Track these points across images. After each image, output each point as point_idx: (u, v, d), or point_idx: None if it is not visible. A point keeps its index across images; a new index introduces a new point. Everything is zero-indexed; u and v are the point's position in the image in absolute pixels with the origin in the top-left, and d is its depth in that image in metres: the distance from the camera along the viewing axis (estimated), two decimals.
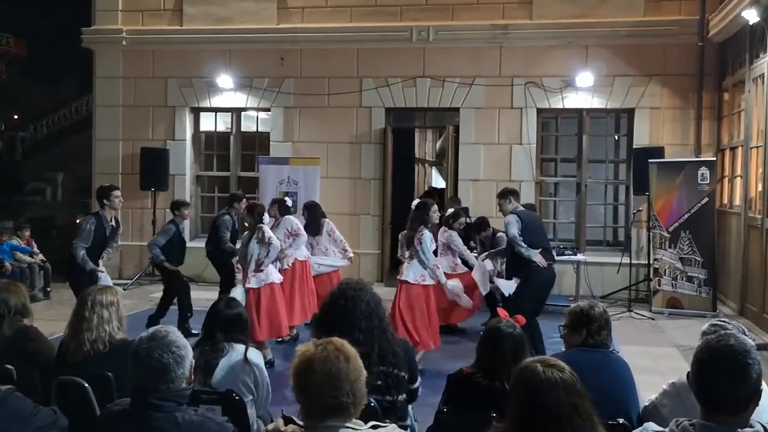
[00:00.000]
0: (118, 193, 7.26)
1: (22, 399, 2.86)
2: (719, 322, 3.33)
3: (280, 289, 7.15)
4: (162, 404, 2.53)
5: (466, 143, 11.35)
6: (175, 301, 8.32)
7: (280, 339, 7.73)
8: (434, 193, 14.67)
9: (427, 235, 6.63)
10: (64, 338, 3.72)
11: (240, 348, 3.75)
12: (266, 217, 7.32)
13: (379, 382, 3.23)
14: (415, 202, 7.12)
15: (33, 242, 11.27)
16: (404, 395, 3.40)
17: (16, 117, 23.22)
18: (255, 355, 3.79)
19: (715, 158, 10.25)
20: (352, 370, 2.30)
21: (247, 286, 6.92)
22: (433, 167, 17.21)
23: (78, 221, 7.47)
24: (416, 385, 3.55)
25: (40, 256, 11.07)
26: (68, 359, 3.61)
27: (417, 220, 6.75)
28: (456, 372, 3.50)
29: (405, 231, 7.05)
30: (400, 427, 2.61)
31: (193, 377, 2.70)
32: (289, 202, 8.49)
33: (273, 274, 7.06)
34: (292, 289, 7.82)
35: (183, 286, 8.36)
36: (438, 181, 15.99)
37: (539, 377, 2.30)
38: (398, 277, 6.85)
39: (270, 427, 2.41)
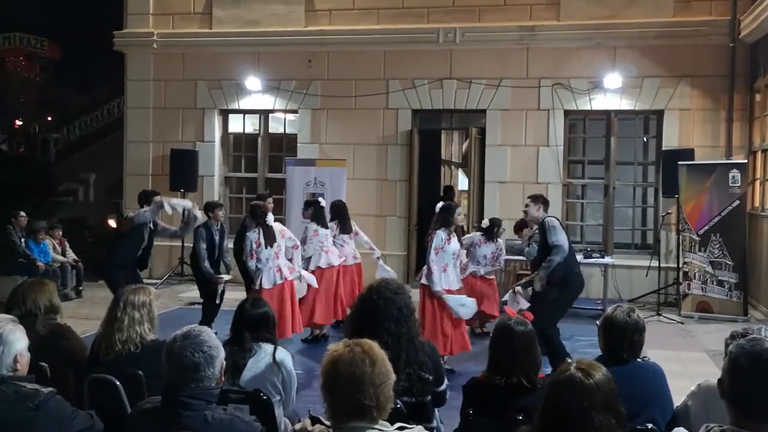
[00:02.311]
0: (159, 198, 7.33)
1: (61, 402, 2.92)
2: (749, 328, 3.29)
3: (273, 295, 7.03)
4: (192, 402, 2.57)
5: (492, 145, 11.32)
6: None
7: (305, 338, 7.92)
8: (452, 190, 14.68)
9: (438, 235, 6.63)
10: (98, 336, 3.79)
11: (268, 348, 3.77)
12: (270, 218, 7.35)
13: (405, 384, 3.24)
14: (440, 204, 7.09)
15: (65, 242, 11.48)
16: (429, 397, 3.42)
17: (49, 119, 23.68)
18: (283, 355, 3.81)
19: (746, 160, 10.08)
20: (377, 373, 2.31)
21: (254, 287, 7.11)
22: (460, 169, 17.16)
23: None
24: (442, 387, 3.56)
25: (73, 256, 11.29)
26: (100, 358, 3.67)
27: (439, 221, 6.75)
28: (470, 381, 3.49)
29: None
30: (426, 428, 2.62)
31: (223, 377, 2.74)
32: (322, 201, 8.42)
33: (263, 281, 7.06)
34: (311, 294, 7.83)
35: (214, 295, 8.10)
36: (464, 183, 15.95)
37: (563, 375, 2.33)
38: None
39: (297, 426, 2.44)
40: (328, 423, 2.34)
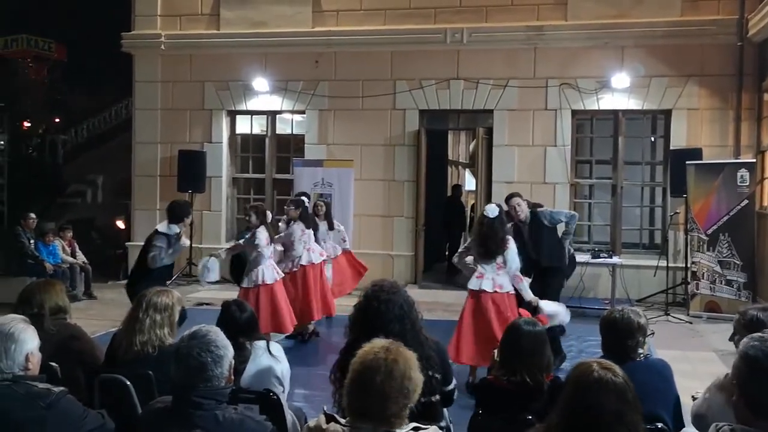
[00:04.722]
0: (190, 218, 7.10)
1: (73, 402, 2.93)
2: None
3: (274, 290, 7.22)
4: (202, 402, 2.58)
5: (499, 145, 11.31)
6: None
7: (289, 336, 7.92)
8: (459, 189, 14.71)
9: (512, 240, 6.32)
10: (119, 333, 3.78)
11: (262, 343, 3.87)
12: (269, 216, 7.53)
13: None
14: (493, 207, 6.33)
15: (75, 243, 11.52)
16: (438, 396, 3.42)
17: (57, 120, 23.72)
18: (276, 348, 3.92)
19: (755, 160, 10.05)
20: (407, 381, 2.30)
21: (242, 285, 7.26)
22: (467, 169, 17.19)
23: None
24: (451, 387, 3.55)
25: (83, 258, 11.32)
26: (118, 356, 3.67)
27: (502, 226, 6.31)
28: (480, 381, 3.53)
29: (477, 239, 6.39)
30: (428, 426, 2.62)
31: (233, 377, 2.75)
32: (306, 201, 8.52)
33: (266, 275, 7.19)
34: (296, 291, 7.95)
35: None
36: (471, 184, 16.00)
37: (592, 376, 2.30)
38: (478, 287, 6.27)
39: (311, 423, 2.44)
40: (343, 421, 2.33)
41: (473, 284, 6.24)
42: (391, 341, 2.42)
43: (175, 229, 6.57)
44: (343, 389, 3.12)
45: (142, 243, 6.87)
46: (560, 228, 7.27)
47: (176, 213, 6.62)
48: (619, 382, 2.28)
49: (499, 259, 6.20)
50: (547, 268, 6.95)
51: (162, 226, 6.63)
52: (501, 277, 6.22)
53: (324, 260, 8.45)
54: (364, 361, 2.33)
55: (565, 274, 7.31)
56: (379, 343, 2.40)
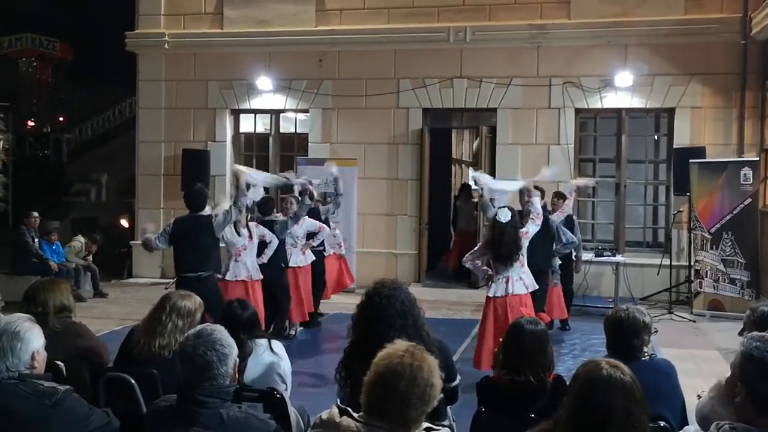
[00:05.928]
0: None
1: (78, 400, 2.95)
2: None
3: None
4: (207, 401, 2.60)
5: (503, 144, 11.32)
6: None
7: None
8: (468, 188, 14.67)
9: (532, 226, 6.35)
10: (137, 328, 3.79)
11: (263, 341, 3.90)
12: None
13: None
14: (506, 211, 6.11)
15: (92, 248, 11.61)
16: (441, 394, 3.43)
17: (61, 119, 23.80)
18: (278, 346, 3.97)
19: (758, 158, 10.04)
20: (429, 387, 2.30)
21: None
22: (470, 168, 17.17)
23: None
24: (454, 384, 3.57)
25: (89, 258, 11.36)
26: (133, 354, 3.68)
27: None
28: (483, 379, 3.55)
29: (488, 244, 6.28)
30: (440, 426, 2.63)
31: (237, 375, 2.77)
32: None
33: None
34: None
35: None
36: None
37: (600, 374, 2.30)
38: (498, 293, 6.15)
39: (324, 415, 2.44)
40: (356, 415, 2.33)
41: (502, 290, 6.10)
42: (414, 344, 2.41)
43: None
44: (348, 388, 3.15)
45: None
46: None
47: (195, 201, 6.70)
48: (627, 381, 2.29)
49: (520, 258, 6.17)
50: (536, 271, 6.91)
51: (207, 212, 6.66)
52: (527, 274, 6.23)
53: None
54: (389, 364, 2.30)
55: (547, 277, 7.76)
56: (403, 345, 2.39)
